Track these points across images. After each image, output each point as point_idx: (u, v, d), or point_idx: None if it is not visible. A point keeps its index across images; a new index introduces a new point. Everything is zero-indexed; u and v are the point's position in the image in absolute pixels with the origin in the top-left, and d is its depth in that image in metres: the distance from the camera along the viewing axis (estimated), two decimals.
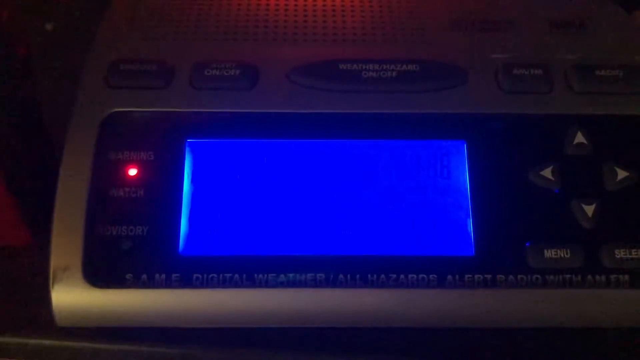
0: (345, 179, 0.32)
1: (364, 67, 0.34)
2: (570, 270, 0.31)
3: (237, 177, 0.32)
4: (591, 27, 0.37)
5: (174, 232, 0.31)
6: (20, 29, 0.37)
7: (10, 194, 0.34)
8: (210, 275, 0.30)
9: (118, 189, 0.31)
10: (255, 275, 0.30)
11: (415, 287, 0.30)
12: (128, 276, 0.30)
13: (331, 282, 0.30)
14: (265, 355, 0.32)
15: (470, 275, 0.31)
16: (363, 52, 0.35)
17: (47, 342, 0.32)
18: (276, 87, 0.34)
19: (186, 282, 0.30)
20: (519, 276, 0.31)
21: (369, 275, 0.30)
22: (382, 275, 0.30)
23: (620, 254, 0.31)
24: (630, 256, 0.31)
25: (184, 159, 0.32)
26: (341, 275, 0.30)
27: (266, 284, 0.30)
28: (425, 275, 0.31)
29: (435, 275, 0.31)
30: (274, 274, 0.30)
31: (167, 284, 0.30)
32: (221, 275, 0.30)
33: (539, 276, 0.31)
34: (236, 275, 0.30)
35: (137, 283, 0.30)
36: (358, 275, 0.30)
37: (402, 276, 0.30)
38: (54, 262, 0.30)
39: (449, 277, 0.31)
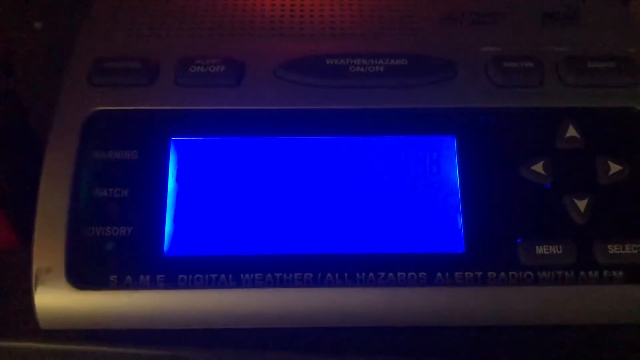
0: (332, 176, 0.32)
1: (351, 62, 0.34)
2: (563, 267, 0.30)
3: (223, 176, 0.32)
4: (584, 18, 0.37)
5: (158, 232, 0.30)
6: None
7: None
8: (196, 276, 0.30)
9: (101, 188, 0.31)
10: (242, 275, 0.30)
11: (404, 285, 0.30)
12: (112, 277, 0.30)
13: (319, 282, 0.30)
14: (253, 356, 0.32)
15: (460, 273, 0.30)
16: (350, 46, 0.35)
17: (33, 345, 0.32)
18: (262, 83, 0.33)
19: (171, 283, 0.30)
20: (511, 273, 0.30)
21: (358, 274, 0.30)
22: (371, 274, 0.30)
23: (613, 249, 0.30)
24: (624, 251, 0.30)
25: (168, 157, 0.32)
26: (329, 274, 0.30)
27: (253, 284, 0.30)
28: (414, 273, 0.30)
29: (424, 273, 0.30)
30: (261, 274, 0.30)
31: (152, 285, 0.30)
32: (207, 275, 0.30)
33: (530, 273, 0.30)
34: (222, 276, 0.30)
35: (122, 284, 0.30)
36: (346, 274, 0.30)
37: (391, 274, 0.30)
38: (37, 263, 0.30)
39: (439, 274, 0.30)
